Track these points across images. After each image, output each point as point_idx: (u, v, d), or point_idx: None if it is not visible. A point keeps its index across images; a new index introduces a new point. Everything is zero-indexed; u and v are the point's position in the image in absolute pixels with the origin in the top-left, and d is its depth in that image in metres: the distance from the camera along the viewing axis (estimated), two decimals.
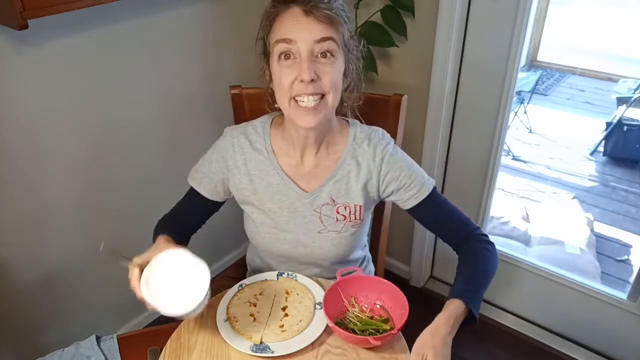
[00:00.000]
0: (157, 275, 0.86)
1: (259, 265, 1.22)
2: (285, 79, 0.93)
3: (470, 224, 1.07)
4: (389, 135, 1.10)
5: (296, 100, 0.95)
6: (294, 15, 0.91)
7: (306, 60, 0.91)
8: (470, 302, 0.92)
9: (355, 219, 1.08)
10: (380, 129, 1.09)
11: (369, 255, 1.30)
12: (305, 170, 1.06)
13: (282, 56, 0.93)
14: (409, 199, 1.05)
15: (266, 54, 1.00)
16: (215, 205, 1.15)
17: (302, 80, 0.92)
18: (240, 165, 1.07)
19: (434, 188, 1.07)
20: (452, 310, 0.92)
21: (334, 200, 1.06)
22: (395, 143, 1.10)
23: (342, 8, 0.96)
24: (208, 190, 1.11)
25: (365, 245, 1.26)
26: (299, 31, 0.91)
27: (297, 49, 0.92)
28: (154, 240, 1.08)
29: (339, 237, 1.08)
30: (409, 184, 1.05)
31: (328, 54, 0.93)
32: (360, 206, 1.07)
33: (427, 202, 1.05)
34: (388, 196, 1.08)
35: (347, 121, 1.09)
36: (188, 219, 1.16)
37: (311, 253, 1.10)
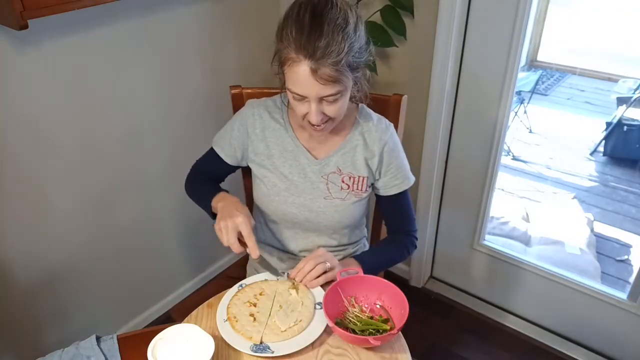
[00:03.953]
0: (163, 347, 0.87)
1: (262, 236, 1.28)
2: (297, 110, 1.04)
3: (414, 224, 1.24)
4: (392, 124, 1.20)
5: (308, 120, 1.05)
6: (304, 72, 0.95)
7: (315, 107, 1.00)
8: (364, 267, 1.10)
9: (358, 189, 1.16)
10: (384, 118, 1.19)
11: (367, 242, 1.37)
12: (316, 143, 1.17)
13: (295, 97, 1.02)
14: (392, 187, 1.17)
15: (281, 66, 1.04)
16: (231, 168, 1.26)
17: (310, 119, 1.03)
18: (258, 133, 1.17)
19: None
20: (346, 263, 1.13)
21: (340, 170, 1.15)
22: None
23: (350, 50, 0.96)
24: (228, 155, 1.22)
25: (364, 228, 1.33)
26: (307, 89, 0.98)
27: (306, 97, 1.00)
28: (200, 196, 1.21)
29: (342, 205, 1.16)
30: (397, 173, 1.17)
31: (335, 100, 1.00)
32: (364, 177, 1.16)
33: (402, 195, 1.19)
34: (376, 178, 1.18)
35: (356, 104, 1.18)
36: (211, 175, 1.29)
37: (316, 218, 1.17)
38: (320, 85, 0.95)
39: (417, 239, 1.24)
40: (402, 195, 1.19)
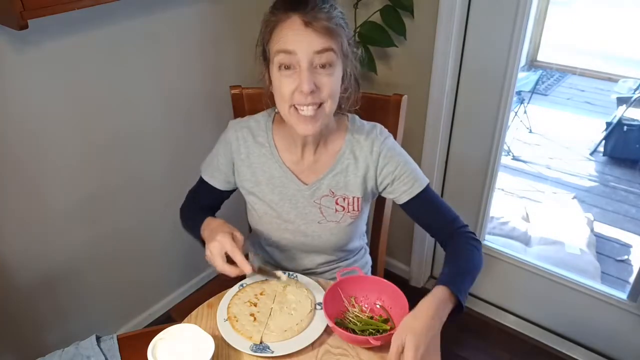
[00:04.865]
0: (163, 347, 0.87)
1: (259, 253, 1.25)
2: (285, 88, 0.95)
3: (458, 220, 1.09)
4: (387, 130, 1.12)
5: (296, 108, 0.97)
6: (294, 26, 0.92)
7: (306, 71, 0.92)
8: (456, 290, 0.90)
9: (354, 209, 1.11)
10: (378, 125, 1.12)
11: (367, 247, 1.33)
12: (305, 165, 1.10)
13: (282, 66, 0.95)
14: (402, 193, 1.08)
15: (266, 59, 1.01)
16: (227, 194, 1.20)
17: (301, 91, 0.93)
18: (243, 158, 1.11)
19: (428, 185, 1.09)
20: (437, 294, 0.90)
21: (333, 192, 1.09)
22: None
23: (341, 16, 0.97)
24: (220, 181, 1.16)
25: (364, 235, 1.28)
26: (298, 43, 0.92)
27: (297, 59, 0.93)
28: (193, 228, 1.12)
29: (338, 227, 1.11)
30: (404, 179, 1.07)
31: (327, 65, 0.94)
32: (358, 198, 1.10)
33: (419, 198, 1.08)
34: (384, 189, 1.11)
35: (347, 116, 1.11)
36: (206, 205, 1.21)
37: (311, 242, 1.13)
38: (314, 35, 0.91)
39: (467, 226, 1.08)
40: (421, 198, 1.07)
